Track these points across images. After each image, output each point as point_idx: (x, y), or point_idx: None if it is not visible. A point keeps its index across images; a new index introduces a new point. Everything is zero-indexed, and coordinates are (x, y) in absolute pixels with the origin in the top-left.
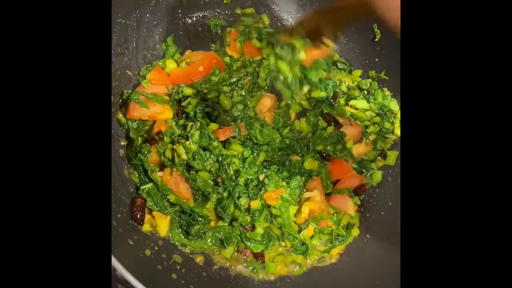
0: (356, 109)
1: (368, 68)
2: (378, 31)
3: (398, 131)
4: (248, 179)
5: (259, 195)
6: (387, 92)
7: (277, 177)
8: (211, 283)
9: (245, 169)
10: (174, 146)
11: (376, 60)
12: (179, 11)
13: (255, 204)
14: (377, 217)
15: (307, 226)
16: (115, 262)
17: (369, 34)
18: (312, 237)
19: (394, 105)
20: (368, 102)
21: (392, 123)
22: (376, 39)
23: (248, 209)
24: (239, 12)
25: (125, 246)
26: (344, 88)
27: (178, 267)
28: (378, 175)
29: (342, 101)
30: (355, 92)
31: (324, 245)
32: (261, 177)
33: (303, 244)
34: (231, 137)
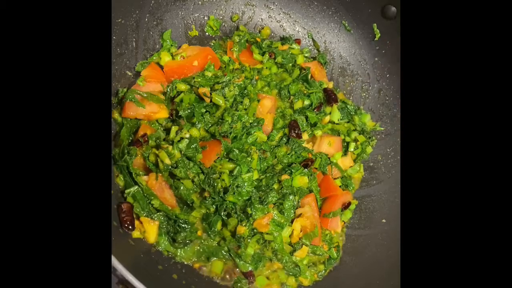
0: (333, 122)
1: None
2: (378, 30)
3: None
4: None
5: (245, 222)
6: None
7: (261, 206)
8: (212, 283)
9: (233, 192)
10: (157, 152)
11: (376, 59)
12: (179, 11)
13: (242, 229)
14: (376, 215)
15: (301, 246)
16: (115, 262)
17: (369, 33)
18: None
19: (367, 119)
20: (341, 113)
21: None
22: (375, 39)
23: (234, 233)
24: (241, 29)
25: (125, 246)
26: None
27: (179, 267)
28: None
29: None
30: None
31: (315, 266)
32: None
33: (296, 266)
34: (220, 155)
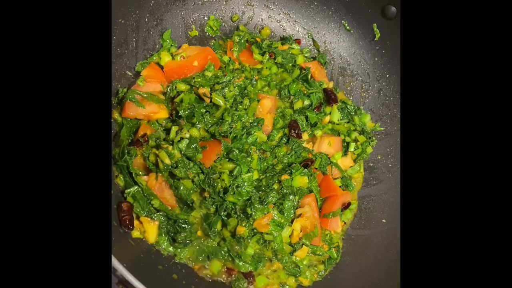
0: (332, 123)
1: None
2: (378, 30)
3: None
4: (235, 203)
5: (245, 222)
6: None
7: (261, 206)
8: (212, 283)
9: (233, 192)
10: (157, 152)
11: (376, 59)
12: (179, 11)
13: (242, 230)
14: (376, 215)
15: (301, 246)
16: (115, 262)
17: (369, 33)
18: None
19: (367, 120)
20: (342, 113)
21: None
22: (375, 39)
23: (234, 233)
24: (241, 28)
25: (125, 246)
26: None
27: (179, 267)
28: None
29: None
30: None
31: (314, 266)
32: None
33: (296, 266)
34: (220, 155)
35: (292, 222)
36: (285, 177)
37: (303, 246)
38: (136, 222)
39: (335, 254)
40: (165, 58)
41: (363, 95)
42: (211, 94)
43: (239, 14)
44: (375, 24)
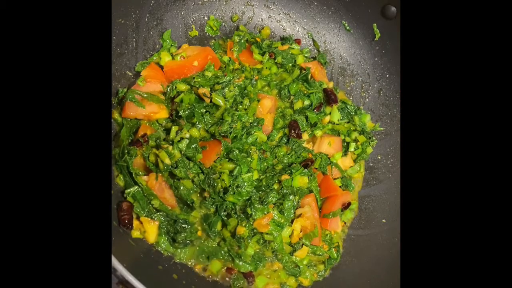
0: (332, 123)
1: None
2: (378, 30)
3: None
4: (235, 203)
5: (245, 222)
6: (363, 111)
7: (261, 206)
8: (212, 283)
9: (233, 192)
10: (157, 152)
11: (376, 59)
12: (179, 11)
13: (242, 230)
14: (376, 215)
15: (301, 246)
16: (115, 262)
17: (369, 33)
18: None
19: (367, 120)
20: (341, 113)
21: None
22: (375, 39)
23: (234, 233)
24: (241, 28)
25: (125, 246)
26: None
27: (179, 267)
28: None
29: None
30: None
31: (314, 266)
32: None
33: (296, 266)
34: (220, 155)
35: (292, 222)
36: (285, 177)
37: (303, 246)
38: (136, 222)
39: (335, 254)
40: (165, 58)
41: (363, 95)
42: (211, 94)
43: (239, 14)
44: (375, 24)
